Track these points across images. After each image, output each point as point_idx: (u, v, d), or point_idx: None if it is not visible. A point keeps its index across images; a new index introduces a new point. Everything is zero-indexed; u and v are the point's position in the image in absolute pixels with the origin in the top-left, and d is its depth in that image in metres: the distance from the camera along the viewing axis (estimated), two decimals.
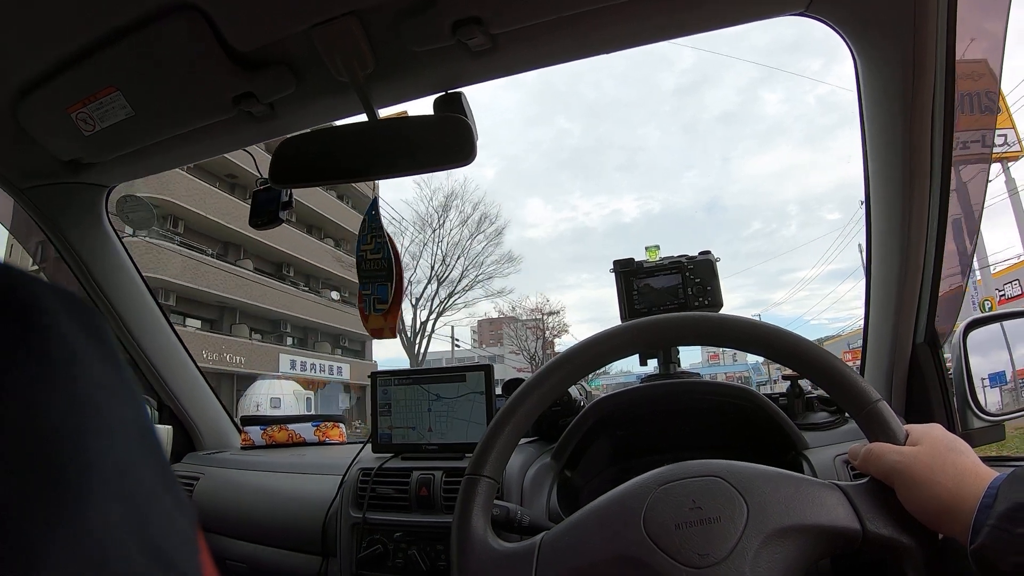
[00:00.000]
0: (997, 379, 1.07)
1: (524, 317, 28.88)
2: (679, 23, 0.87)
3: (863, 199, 0.99)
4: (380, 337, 1.03)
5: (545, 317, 29.48)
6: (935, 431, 0.60)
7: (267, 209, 1.00)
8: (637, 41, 0.88)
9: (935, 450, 0.58)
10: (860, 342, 1.09)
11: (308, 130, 0.95)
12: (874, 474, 0.59)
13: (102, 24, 0.87)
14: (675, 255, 0.99)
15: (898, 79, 0.86)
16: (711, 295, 0.94)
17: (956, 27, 0.84)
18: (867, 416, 0.61)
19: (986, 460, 1.01)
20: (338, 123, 0.94)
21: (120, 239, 1.32)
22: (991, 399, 1.07)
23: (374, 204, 1.00)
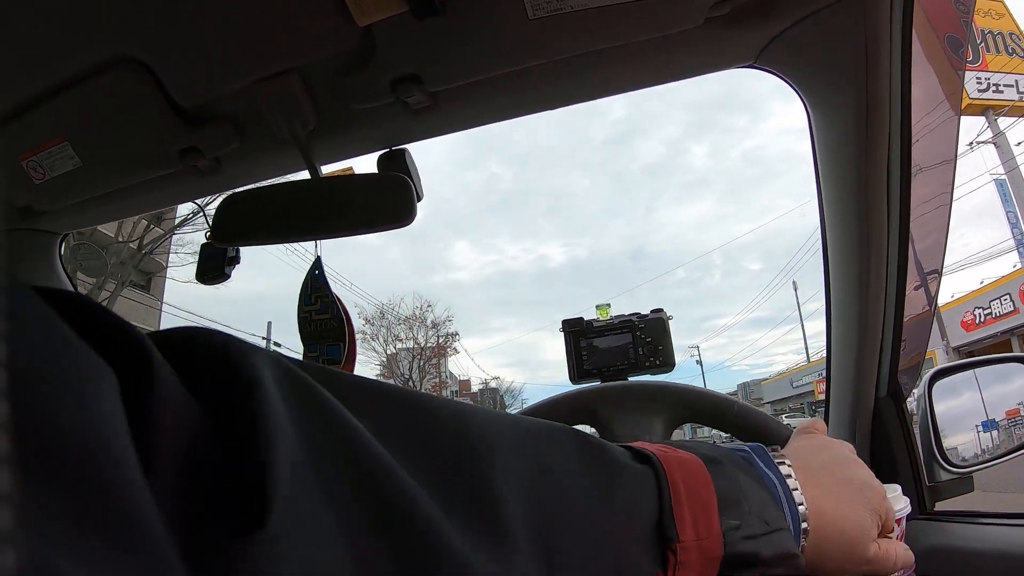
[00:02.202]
0: (989, 425, 1.05)
1: (397, 329, 24.29)
2: (626, 78, 0.86)
3: (821, 245, 0.97)
4: None
5: (428, 330, 24.67)
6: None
7: (214, 264, 0.98)
8: (583, 96, 0.87)
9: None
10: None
11: (249, 187, 0.94)
12: None
13: (48, 75, 0.87)
14: (626, 313, 0.97)
15: (851, 126, 0.85)
16: (663, 355, 0.92)
17: (911, 68, 0.83)
18: None
19: (955, 514, 0.98)
20: (282, 180, 0.93)
21: (74, 285, 1.31)
22: (984, 443, 1.05)
23: (318, 263, 0.98)
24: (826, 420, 1.05)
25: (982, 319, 18.86)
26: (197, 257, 0.98)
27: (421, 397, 0.30)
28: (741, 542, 0.36)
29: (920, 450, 1.00)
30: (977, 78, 15.52)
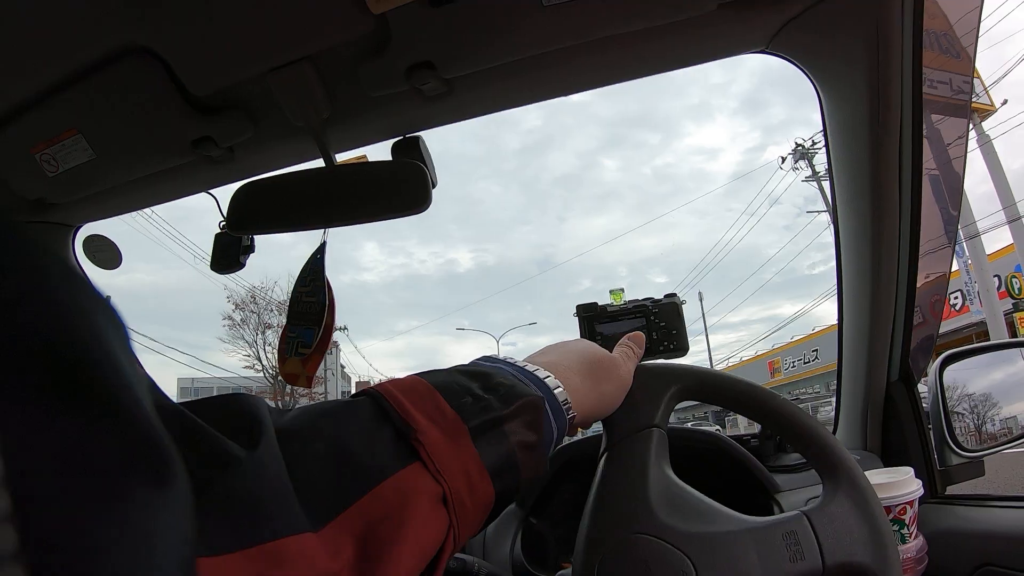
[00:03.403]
0: None
1: (269, 316, 21.52)
2: (639, 64, 0.86)
3: (832, 234, 0.98)
4: (294, 384, 1.01)
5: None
6: None
7: (228, 253, 0.99)
8: (596, 83, 0.87)
9: None
10: None
11: (264, 176, 0.94)
12: None
13: (61, 66, 0.87)
14: (639, 298, 0.98)
15: (863, 110, 0.85)
16: (676, 339, 0.92)
17: (922, 55, 0.83)
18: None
19: (966, 498, 0.99)
20: (296, 168, 0.93)
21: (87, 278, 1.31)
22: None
23: (321, 249, 0.99)
24: (837, 405, 1.05)
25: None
26: (212, 246, 0.99)
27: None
28: (481, 413, 0.41)
29: (931, 434, 1.00)
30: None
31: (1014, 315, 14.01)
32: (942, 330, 1.13)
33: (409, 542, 0.34)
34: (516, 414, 0.43)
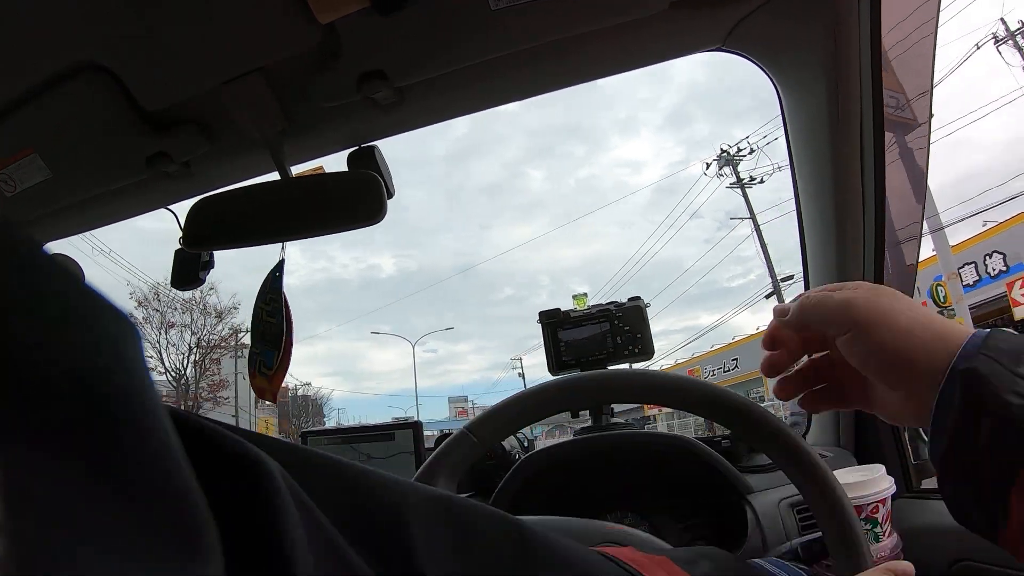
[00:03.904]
0: None
1: (173, 315, 20.16)
2: (594, 66, 0.85)
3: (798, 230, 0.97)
4: (262, 398, 1.01)
5: (210, 319, 20.47)
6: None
7: (188, 269, 0.98)
8: (551, 86, 0.86)
9: (884, 289, 0.45)
10: None
11: (219, 191, 0.93)
12: (817, 323, 0.46)
13: (13, 86, 0.86)
14: (603, 303, 0.97)
15: (822, 104, 0.85)
16: (641, 343, 0.92)
17: (880, 46, 0.83)
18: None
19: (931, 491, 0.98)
20: (252, 182, 0.92)
21: None
22: None
23: (280, 266, 0.98)
24: None
25: None
26: (172, 263, 0.98)
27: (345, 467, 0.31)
28: None
29: (905, 430, 1.00)
30: None
31: None
32: None
33: None
34: None
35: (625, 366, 0.88)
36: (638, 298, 0.96)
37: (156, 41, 0.78)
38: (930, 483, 1.00)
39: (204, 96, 0.84)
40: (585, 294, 0.98)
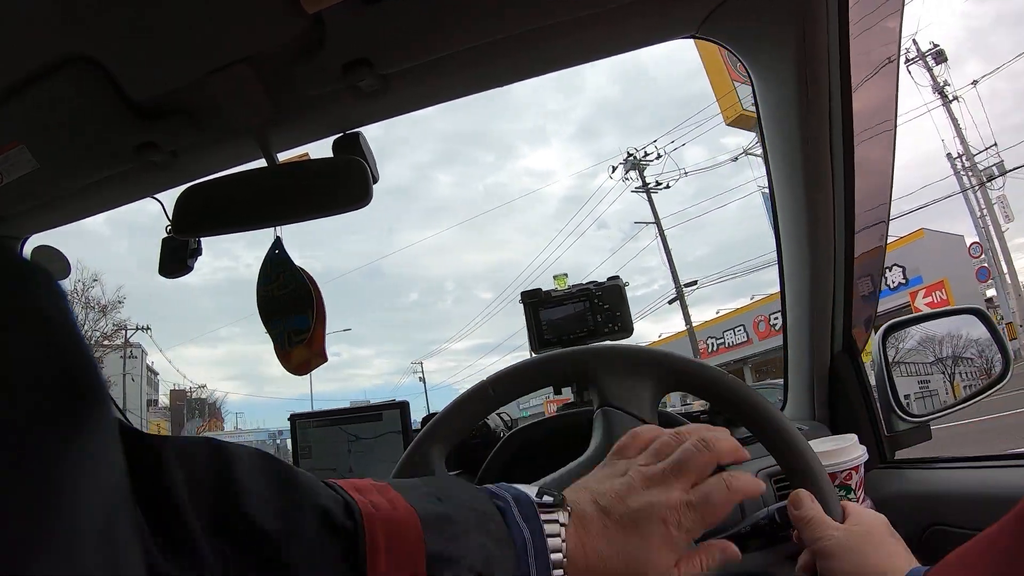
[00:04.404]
0: None
1: None
2: (572, 52, 0.88)
3: (771, 218, 1.00)
4: (307, 370, 0.99)
5: (93, 313, 19.44)
6: (878, 519, 0.61)
7: (176, 257, 0.99)
8: (530, 72, 0.89)
9: (874, 532, 0.58)
10: None
11: (208, 178, 0.95)
12: (807, 542, 0.58)
13: (1, 79, 0.87)
14: (583, 282, 1.00)
15: (792, 92, 0.88)
16: (620, 320, 0.95)
17: (848, 32, 0.86)
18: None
19: (914, 461, 1.02)
20: (239, 169, 0.94)
21: None
22: None
23: (278, 244, 0.99)
24: (785, 379, 1.08)
25: (714, 348, 20.34)
26: (160, 251, 0.99)
27: None
28: None
29: (877, 402, 1.03)
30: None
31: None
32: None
33: None
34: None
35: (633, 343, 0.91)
36: (617, 277, 0.99)
37: (143, 31, 0.79)
38: (903, 454, 1.04)
39: (191, 85, 0.85)
40: (566, 275, 1.01)
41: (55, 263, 1.12)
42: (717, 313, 21.30)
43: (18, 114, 0.91)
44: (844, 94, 0.88)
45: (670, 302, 17.81)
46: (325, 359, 0.99)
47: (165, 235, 0.98)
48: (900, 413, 1.02)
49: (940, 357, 1.16)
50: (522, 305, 1.00)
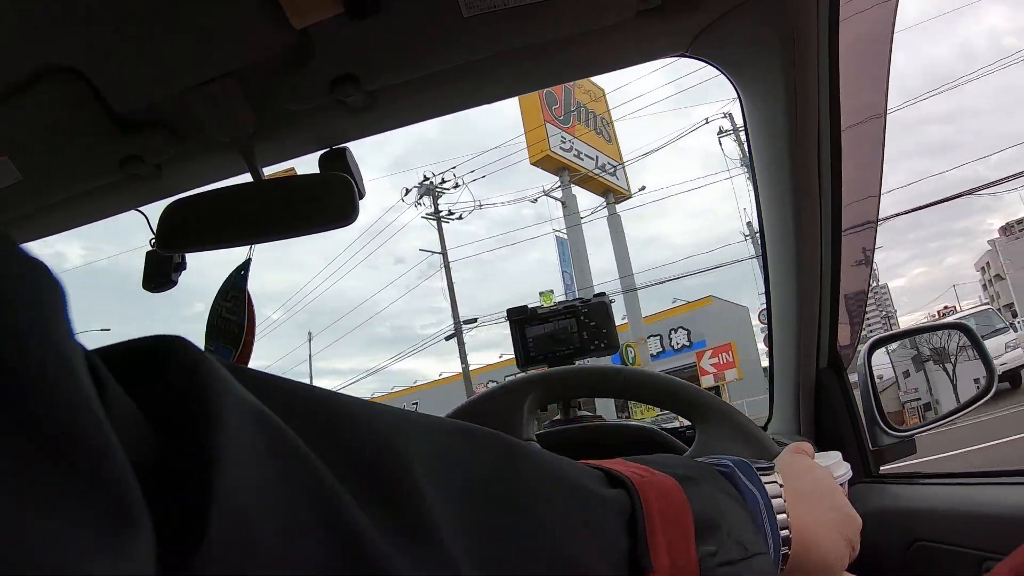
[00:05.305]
0: None
1: None
2: (562, 71, 0.88)
3: (758, 232, 1.01)
4: None
5: None
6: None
7: (160, 271, 0.98)
8: (519, 90, 0.89)
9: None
10: None
11: (192, 193, 0.94)
12: None
13: None
14: (569, 299, 1.00)
15: (781, 112, 0.88)
16: (607, 338, 0.95)
17: (839, 56, 0.86)
18: None
19: (899, 476, 1.03)
20: (224, 184, 0.93)
21: None
22: None
23: (246, 265, 0.98)
24: (771, 395, 1.08)
25: None
26: (144, 264, 0.98)
27: (332, 397, 0.27)
28: (717, 569, 0.34)
29: (863, 417, 1.04)
30: (563, 136, 16.60)
31: None
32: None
33: None
34: None
35: (518, 376, 0.90)
36: (603, 294, 0.99)
37: (128, 44, 0.79)
38: (888, 468, 1.04)
39: (177, 99, 0.84)
40: (551, 291, 1.01)
41: None
42: (500, 358, 21.21)
43: (1, 126, 0.90)
44: (833, 111, 0.88)
45: (447, 338, 17.68)
46: None
47: (149, 249, 0.97)
48: (884, 427, 1.03)
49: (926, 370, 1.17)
50: (508, 322, 1.00)
